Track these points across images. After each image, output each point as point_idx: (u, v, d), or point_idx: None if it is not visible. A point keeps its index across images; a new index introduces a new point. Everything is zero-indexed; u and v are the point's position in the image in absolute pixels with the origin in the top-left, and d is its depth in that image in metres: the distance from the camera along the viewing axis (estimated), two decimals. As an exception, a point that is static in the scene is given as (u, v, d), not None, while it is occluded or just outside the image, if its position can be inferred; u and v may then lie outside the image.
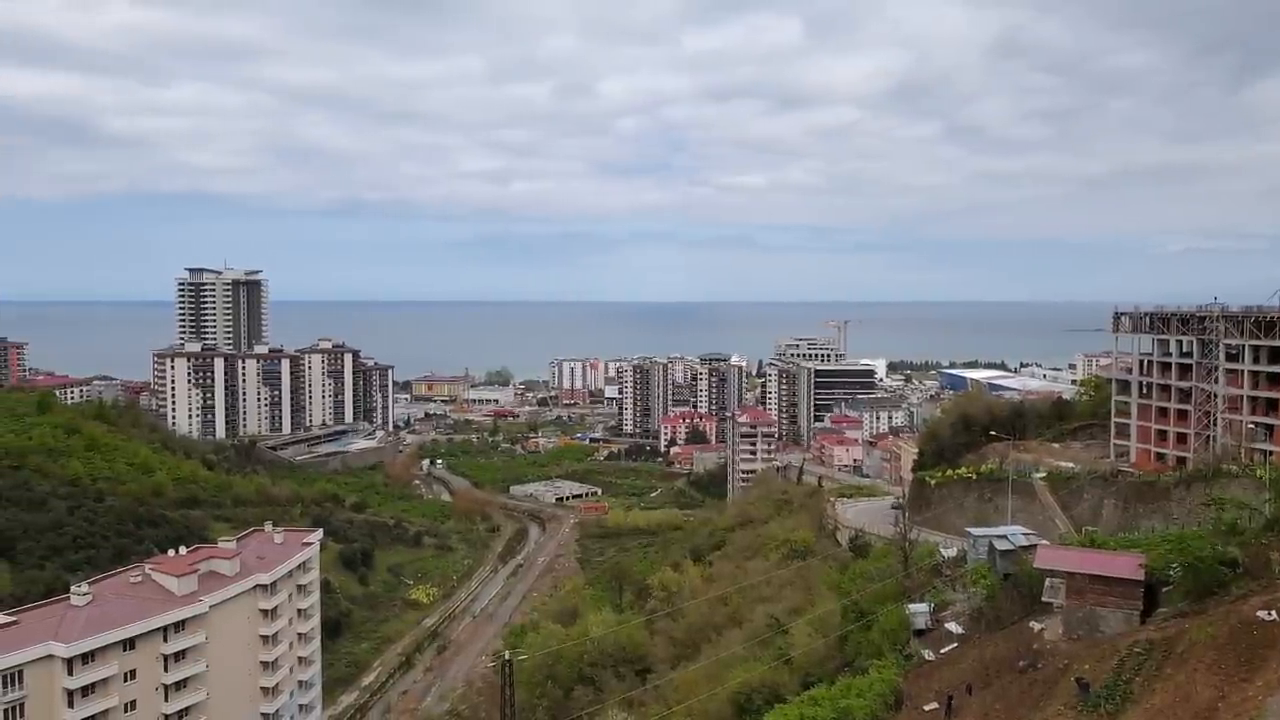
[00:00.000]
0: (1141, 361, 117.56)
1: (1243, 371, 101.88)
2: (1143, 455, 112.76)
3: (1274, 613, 34.19)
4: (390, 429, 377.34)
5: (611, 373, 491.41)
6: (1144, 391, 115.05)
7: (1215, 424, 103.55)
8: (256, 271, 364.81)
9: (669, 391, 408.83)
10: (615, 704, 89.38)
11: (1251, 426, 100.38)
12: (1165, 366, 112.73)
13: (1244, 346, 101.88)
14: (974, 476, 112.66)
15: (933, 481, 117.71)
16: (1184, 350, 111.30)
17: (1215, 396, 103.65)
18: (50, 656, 76.43)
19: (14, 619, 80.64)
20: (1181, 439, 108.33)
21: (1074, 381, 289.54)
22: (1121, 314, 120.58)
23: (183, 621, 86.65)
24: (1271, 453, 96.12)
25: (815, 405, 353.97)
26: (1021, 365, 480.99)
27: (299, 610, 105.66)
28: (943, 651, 51.10)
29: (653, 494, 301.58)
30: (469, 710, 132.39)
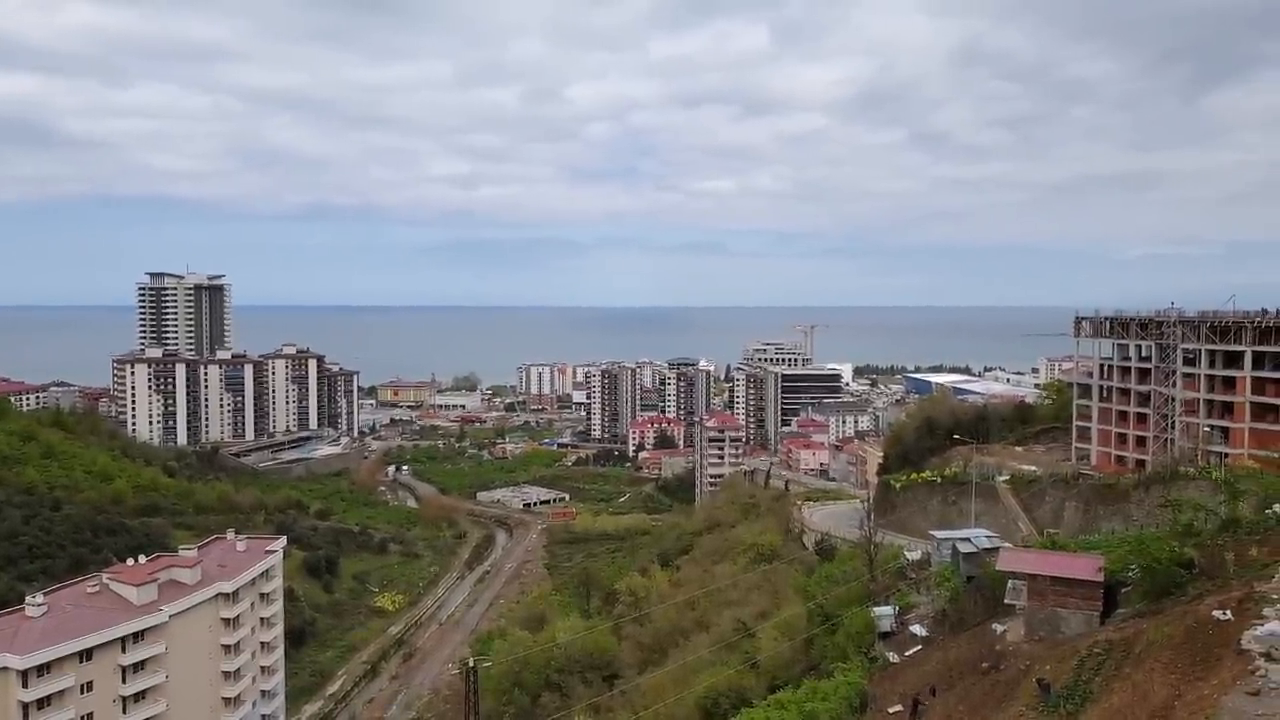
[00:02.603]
0: (1102, 366, 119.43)
1: (1199, 375, 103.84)
2: (1103, 458, 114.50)
3: (1228, 612, 34.72)
4: (355, 435, 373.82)
5: (580, 378, 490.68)
6: (1104, 395, 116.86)
7: (1173, 427, 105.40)
8: (219, 276, 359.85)
9: (637, 396, 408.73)
10: (582, 709, 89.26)
11: (1207, 429, 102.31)
12: (1125, 370, 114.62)
13: (1200, 351, 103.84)
14: (938, 480, 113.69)
15: (898, 485, 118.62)
16: (1143, 354, 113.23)
17: (1173, 400, 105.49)
18: (4, 669, 74.79)
19: (-34, 631, 78.81)
20: (1141, 442, 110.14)
21: (1037, 385, 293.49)
22: (1082, 319, 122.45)
23: (142, 632, 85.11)
24: (1227, 455, 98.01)
25: (782, 409, 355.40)
26: (985, 369, 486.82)
27: (262, 619, 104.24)
28: (907, 654, 51.46)
29: (621, 499, 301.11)
30: (435, 717, 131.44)
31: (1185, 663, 32.79)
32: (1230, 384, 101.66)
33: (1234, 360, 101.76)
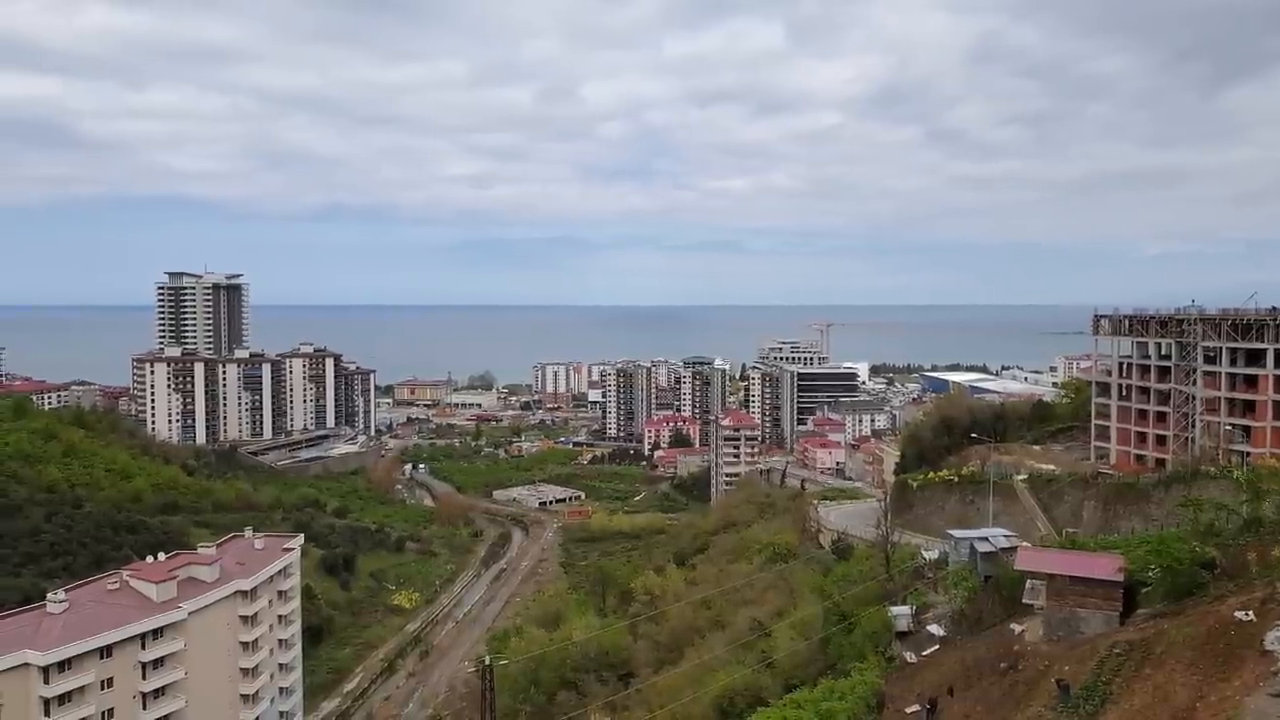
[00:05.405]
0: (1121, 364, 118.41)
1: (1220, 374, 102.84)
2: (1122, 457, 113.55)
3: (1251, 613, 34.41)
4: (372, 434, 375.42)
5: (595, 376, 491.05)
6: (1123, 394, 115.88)
7: (1193, 426, 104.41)
8: (237, 275, 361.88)
9: (652, 395, 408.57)
10: (598, 708, 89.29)
11: (1229, 428, 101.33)
12: (1144, 369, 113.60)
13: (1221, 349, 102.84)
14: (955, 479, 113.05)
15: (914, 484, 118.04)
16: (1162, 353, 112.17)
17: (1193, 398, 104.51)
18: (26, 665, 75.38)
19: (-11, 627, 79.53)
20: (1160, 441, 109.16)
21: (1054, 384, 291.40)
22: (1101, 317, 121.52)
23: (161, 628, 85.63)
24: (1248, 454, 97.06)
25: (798, 408, 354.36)
26: (1003, 368, 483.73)
27: (279, 616, 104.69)
28: (924, 653, 51.26)
29: (636, 498, 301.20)
30: (451, 715, 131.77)
31: (1207, 664, 32.52)
32: (1252, 382, 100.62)
33: (1256, 358, 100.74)
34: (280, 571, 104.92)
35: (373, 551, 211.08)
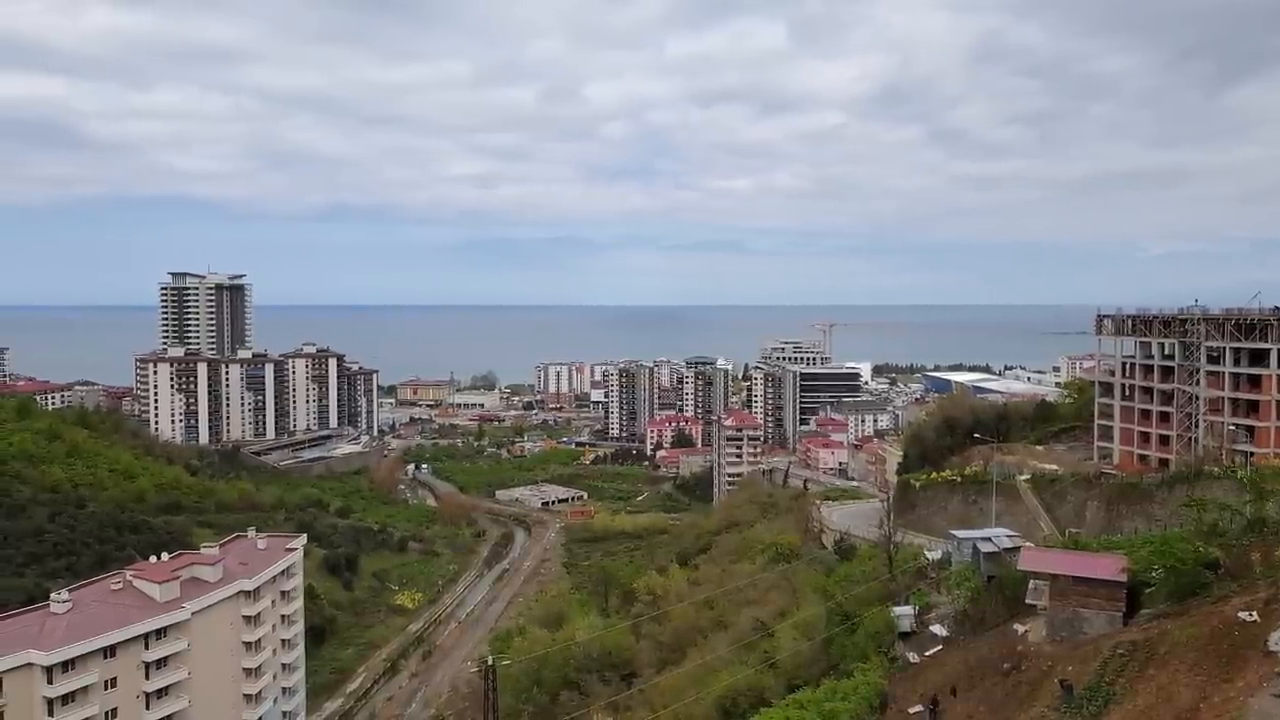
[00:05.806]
0: (1124, 364, 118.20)
1: (1224, 373, 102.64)
2: (1125, 457, 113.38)
3: (1254, 614, 34.36)
4: (375, 434, 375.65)
5: (597, 376, 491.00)
6: (1126, 394, 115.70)
7: (1197, 426, 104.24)
8: (240, 276, 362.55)
9: (655, 395, 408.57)
10: (601, 708, 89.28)
11: (1232, 428, 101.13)
12: (1147, 369, 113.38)
13: (1225, 349, 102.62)
14: (958, 479, 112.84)
15: (917, 484, 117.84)
16: (1166, 353, 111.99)
17: (1197, 398, 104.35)
18: (30, 665, 75.46)
19: (-8, 627, 79.60)
20: (1164, 441, 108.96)
21: (1058, 384, 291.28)
22: (1104, 317, 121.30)
23: (164, 628, 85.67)
24: (1252, 454, 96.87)
25: (801, 408, 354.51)
26: (1006, 368, 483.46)
27: (282, 616, 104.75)
28: (927, 654, 51.23)
29: (639, 498, 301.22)
30: (454, 715, 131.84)
31: (1210, 664, 32.48)
32: (1256, 382, 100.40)
33: (1260, 358, 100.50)
34: (283, 571, 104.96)
35: (375, 551, 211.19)
